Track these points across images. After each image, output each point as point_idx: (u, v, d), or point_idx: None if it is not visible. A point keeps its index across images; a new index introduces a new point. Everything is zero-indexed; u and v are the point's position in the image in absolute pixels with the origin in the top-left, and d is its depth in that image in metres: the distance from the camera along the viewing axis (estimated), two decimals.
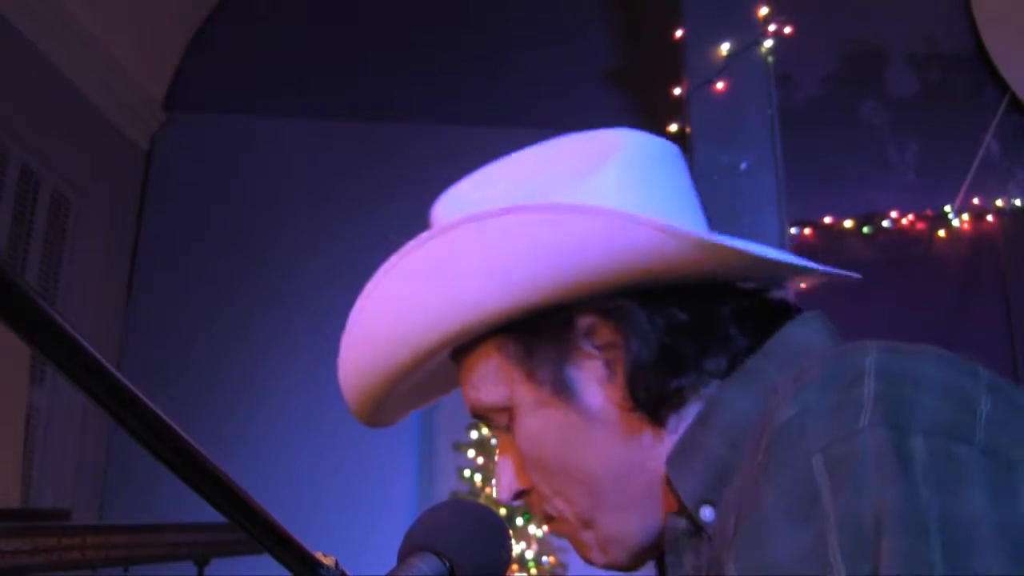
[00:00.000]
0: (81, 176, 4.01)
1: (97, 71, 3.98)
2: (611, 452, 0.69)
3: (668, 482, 0.67)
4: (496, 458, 0.79)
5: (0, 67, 3.41)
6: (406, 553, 0.61)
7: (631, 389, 0.67)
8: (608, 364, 0.69)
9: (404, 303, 0.71)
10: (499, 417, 0.75)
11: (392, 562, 0.61)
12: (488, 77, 4.54)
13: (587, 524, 0.72)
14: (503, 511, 3.79)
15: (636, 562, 0.74)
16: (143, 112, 4.40)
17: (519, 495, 0.76)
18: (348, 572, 0.55)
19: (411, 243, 0.71)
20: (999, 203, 3.66)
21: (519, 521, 3.86)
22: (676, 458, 0.67)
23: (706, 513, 0.64)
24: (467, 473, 3.98)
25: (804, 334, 0.69)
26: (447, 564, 0.60)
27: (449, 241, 0.69)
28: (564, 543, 4.33)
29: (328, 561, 0.54)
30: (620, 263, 0.65)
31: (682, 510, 0.66)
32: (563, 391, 0.70)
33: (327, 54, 4.56)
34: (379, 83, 4.55)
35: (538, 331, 0.70)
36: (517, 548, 3.82)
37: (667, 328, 0.68)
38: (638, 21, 4.52)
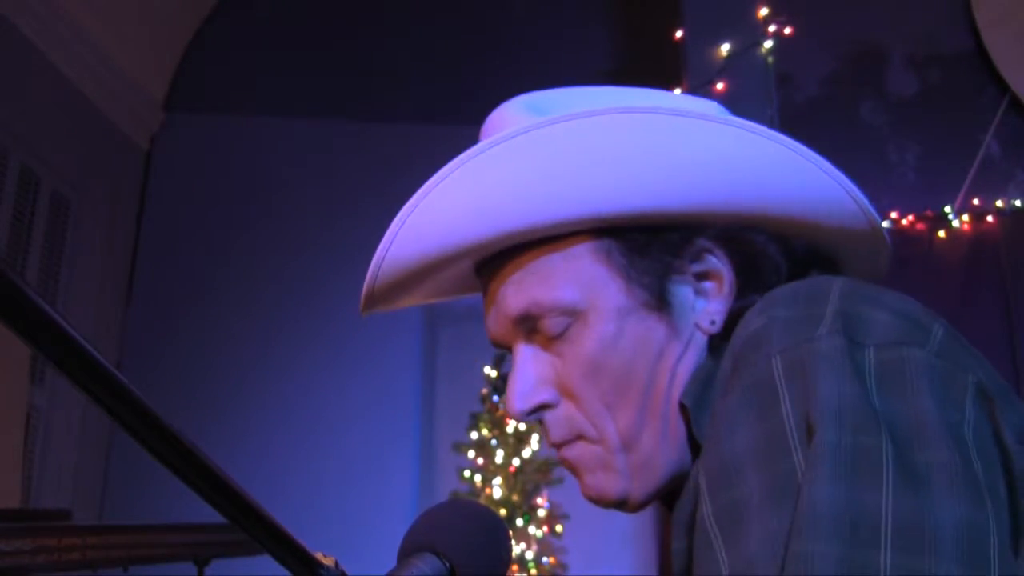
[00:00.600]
0: (81, 176, 4.02)
1: (97, 71, 3.99)
2: (681, 372, 0.71)
3: (684, 412, 0.70)
4: (513, 368, 0.73)
5: (0, 67, 3.41)
6: (406, 553, 0.61)
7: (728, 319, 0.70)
8: (709, 290, 0.71)
9: (501, 180, 0.68)
10: (554, 320, 0.71)
11: (392, 562, 0.61)
12: (488, 77, 4.54)
13: (627, 446, 0.70)
14: (503, 511, 3.80)
15: (648, 499, 0.72)
16: (143, 112, 4.40)
17: (538, 408, 0.72)
18: (348, 572, 0.55)
19: (533, 123, 0.68)
20: (999, 203, 3.66)
21: (519, 521, 3.86)
22: (691, 388, 0.70)
23: None
24: (467, 473, 3.98)
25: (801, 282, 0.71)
26: (447, 564, 0.60)
27: (574, 129, 0.67)
28: (564, 543, 4.33)
29: (328, 561, 0.54)
30: (763, 189, 0.69)
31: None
32: (660, 304, 0.70)
33: (327, 54, 4.56)
34: (379, 83, 4.56)
35: (648, 241, 0.70)
36: (517, 548, 3.82)
37: (773, 272, 0.72)
38: (638, 21, 4.52)
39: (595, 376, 0.70)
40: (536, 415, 0.73)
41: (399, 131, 4.51)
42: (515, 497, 3.89)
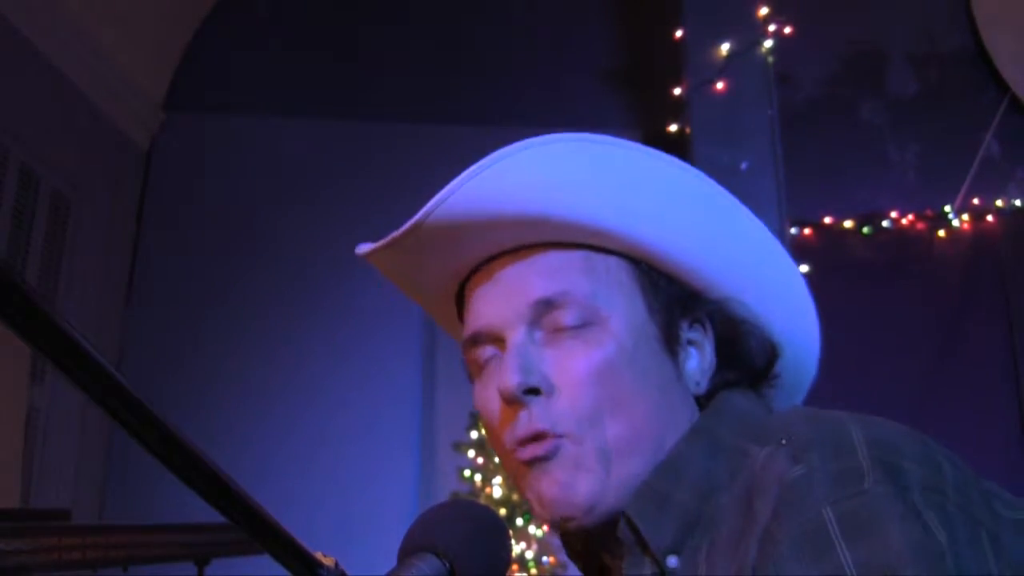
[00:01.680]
0: (81, 176, 4.02)
1: (97, 71, 3.99)
2: (679, 423, 0.74)
3: (631, 526, 0.70)
4: (511, 348, 0.73)
5: (0, 67, 3.41)
6: (406, 553, 0.61)
7: (712, 378, 0.77)
8: (694, 357, 0.78)
9: (589, 172, 0.71)
10: (575, 313, 0.72)
11: (392, 562, 0.61)
12: (488, 77, 4.54)
13: (609, 455, 0.71)
14: (503, 511, 3.80)
15: (610, 516, 0.72)
16: (143, 112, 4.40)
17: (531, 390, 0.72)
18: (348, 572, 0.55)
19: (632, 145, 0.72)
20: (999, 203, 3.66)
21: (519, 521, 3.86)
22: (643, 508, 0.70)
23: (671, 561, 0.69)
24: (467, 473, 3.98)
25: (742, 400, 0.77)
26: (447, 564, 0.60)
27: (665, 172, 0.74)
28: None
29: (328, 561, 0.54)
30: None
31: (646, 552, 0.70)
32: (671, 345, 0.75)
33: (327, 54, 4.56)
34: (379, 83, 4.55)
35: (667, 288, 0.76)
36: (517, 548, 3.82)
37: (750, 358, 0.80)
38: (638, 21, 4.52)
39: (601, 380, 0.71)
40: (527, 396, 0.72)
41: (399, 131, 4.51)
42: (515, 497, 3.89)
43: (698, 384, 0.76)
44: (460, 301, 0.83)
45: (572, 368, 0.71)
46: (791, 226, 3.58)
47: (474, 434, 4.05)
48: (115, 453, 4.04)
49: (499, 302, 0.75)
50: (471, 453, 4.02)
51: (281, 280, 4.32)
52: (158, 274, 4.34)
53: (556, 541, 3.91)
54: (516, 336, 0.73)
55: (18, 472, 3.29)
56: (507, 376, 0.71)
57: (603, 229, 0.72)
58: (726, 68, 3.59)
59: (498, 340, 0.75)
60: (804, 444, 0.62)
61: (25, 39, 3.54)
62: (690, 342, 0.77)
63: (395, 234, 0.77)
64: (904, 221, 3.65)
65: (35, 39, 3.60)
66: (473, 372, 0.80)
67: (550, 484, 0.71)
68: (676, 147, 3.69)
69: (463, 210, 0.73)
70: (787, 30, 3.68)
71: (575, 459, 0.71)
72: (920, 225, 3.65)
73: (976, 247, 3.60)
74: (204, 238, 4.37)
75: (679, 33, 3.73)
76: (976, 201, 3.66)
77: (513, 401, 0.71)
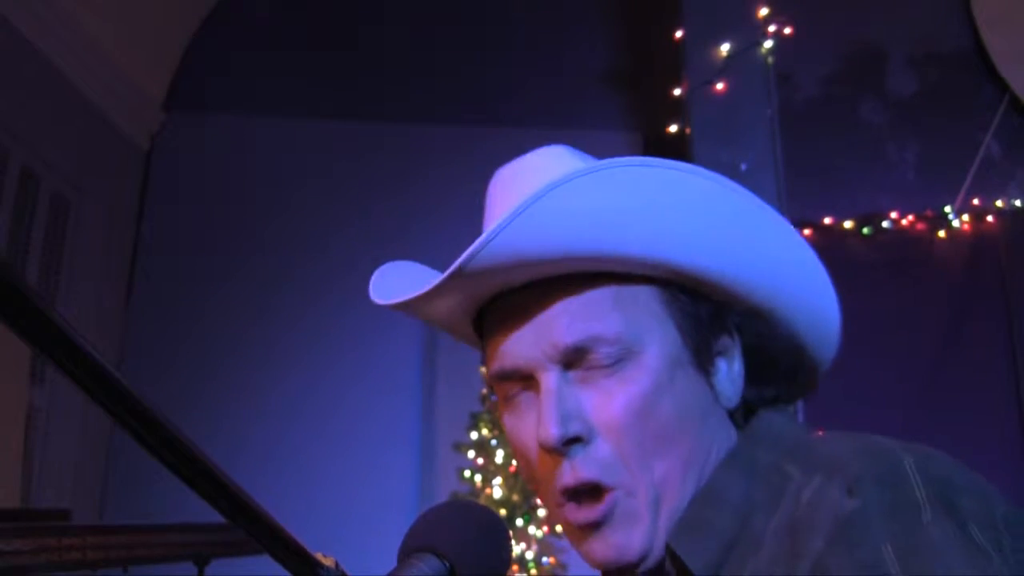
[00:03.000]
0: (81, 176, 4.01)
1: (97, 71, 3.99)
2: (716, 445, 0.74)
3: (673, 556, 0.70)
4: (547, 394, 0.71)
5: (0, 67, 3.41)
6: (406, 553, 0.61)
7: (743, 390, 0.76)
8: (724, 369, 0.76)
9: (608, 203, 0.68)
10: (608, 352, 0.70)
11: (392, 562, 0.61)
12: (488, 77, 4.54)
13: (660, 497, 0.70)
14: (503, 511, 3.79)
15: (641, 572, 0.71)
16: (143, 112, 4.40)
17: (572, 440, 0.69)
18: (348, 572, 0.55)
19: (652, 160, 0.70)
20: (999, 203, 3.66)
21: (519, 521, 3.86)
22: (683, 535, 0.70)
23: None
24: (467, 473, 3.98)
25: (779, 420, 0.76)
26: (447, 564, 0.60)
27: (688, 182, 0.71)
28: (564, 543, 4.31)
29: (328, 561, 0.54)
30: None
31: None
32: (706, 367, 0.74)
33: (327, 54, 4.56)
34: (379, 83, 4.55)
35: (698, 305, 0.74)
36: (517, 548, 3.82)
37: (780, 375, 0.80)
38: (638, 21, 4.52)
39: (643, 418, 0.69)
40: (568, 447, 0.69)
41: (399, 131, 4.51)
42: (515, 497, 3.89)
43: (730, 399, 0.75)
44: (478, 321, 0.80)
45: (611, 409, 0.70)
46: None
47: (474, 434, 4.05)
48: (115, 453, 4.04)
49: (527, 342, 0.72)
50: (471, 453, 4.02)
51: (281, 280, 4.32)
52: (158, 274, 4.34)
53: (556, 541, 3.91)
54: (550, 380, 0.71)
55: (18, 472, 3.29)
56: (546, 428, 0.69)
57: (629, 256, 0.70)
58: (726, 68, 3.59)
59: (529, 379, 0.73)
60: (857, 476, 0.61)
61: (25, 39, 3.54)
62: (718, 353, 0.75)
63: (418, 292, 0.73)
64: (904, 221, 3.65)
65: (35, 39, 3.59)
66: (501, 402, 0.78)
67: (605, 548, 0.71)
68: (676, 147, 3.69)
69: (489, 259, 0.69)
70: (787, 30, 3.68)
71: (630, 515, 0.70)
72: (920, 225, 3.65)
73: (976, 247, 3.59)
74: (204, 238, 4.37)
75: (679, 33, 3.73)
76: (976, 201, 3.66)
77: (555, 452, 0.70)
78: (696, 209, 0.70)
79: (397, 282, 0.79)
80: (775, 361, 0.77)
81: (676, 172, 0.70)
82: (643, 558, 0.70)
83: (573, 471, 0.70)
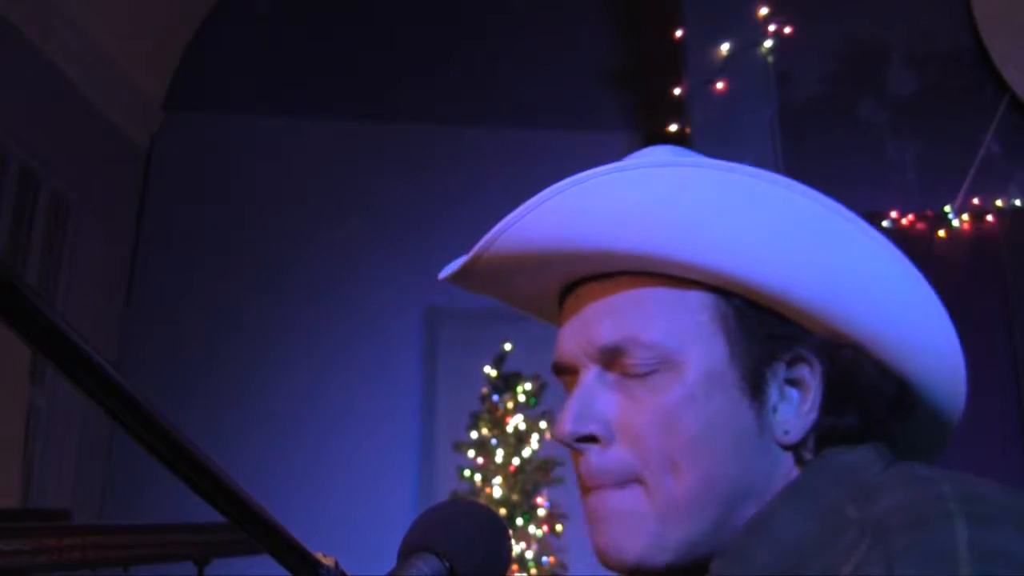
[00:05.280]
0: (81, 176, 4.02)
1: (97, 71, 3.99)
2: (757, 479, 0.68)
3: None
4: (576, 390, 0.70)
5: (0, 67, 3.41)
6: (406, 553, 0.61)
7: (809, 443, 0.69)
8: (793, 399, 0.69)
9: (661, 201, 0.65)
10: (644, 359, 0.67)
11: (392, 562, 0.61)
12: (488, 77, 4.54)
13: (674, 512, 0.67)
14: (503, 511, 3.80)
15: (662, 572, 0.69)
16: (143, 112, 4.40)
17: (586, 438, 0.68)
18: (348, 572, 0.55)
19: (709, 162, 0.67)
20: (999, 203, 3.66)
21: (519, 521, 3.86)
22: (726, 562, 0.67)
23: None
24: (467, 473, 3.98)
25: (851, 455, 0.69)
26: (447, 564, 0.60)
27: (749, 185, 0.66)
28: (564, 544, 4.31)
29: (328, 561, 0.54)
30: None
31: None
32: (754, 392, 0.68)
33: (327, 54, 4.56)
34: (379, 83, 4.56)
35: (760, 324, 0.68)
36: (517, 548, 3.83)
37: (872, 397, 0.69)
38: (638, 21, 4.52)
39: (669, 430, 0.67)
40: (581, 444, 0.69)
41: (399, 131, 4.51)
42: (515, 497, 3.89)
43: (787, 433, 0.68)
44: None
45: (638, 418, 0.68)
46: None
47: (474, 434, 4.05)
48: (115, 453, 4.04)
49: (575, 337, 0.71)
50: (471, 453, 4.02)
51: (281, 280, 4.32)
52: (158, 274, 4.34)
53: (556, 541, 3.91)
54: (586, 377, 0.70)
55: (18, 472, 3.29)
56: (562, 422, 0.69)
57: (686, 262, 0.66)
58: (726, 68, 3.59)
59: (575, 373, 0.72)
60: (900, 550, 0.57)
61: (26, 40, 3.54)
62: (792, 382, 0.69)
63: (461, 262, 0.73)
64: (904, 221, 3.65)
65: (36, 40, 3.60)
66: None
67: (606, 542, 0.69)
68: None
69: (525, 241, 0.68)
70: (787, 30, 3.68)
71: (641, 515, 0.68)
72: (920, 225, 3.65)
73: (976, 247, 3.60)
74: (204, 238, 4.38)
75: (679, 33, 3.73)
76: (976, 201, 3.66)
77: (568, 447, 0.70)
78: (764, 220, 0.65)
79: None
80: (865, 395, 0.69)
81: (736, 176, 0.65)
82: (637, 566, 0.68)
83: (588, 470, 0.69)
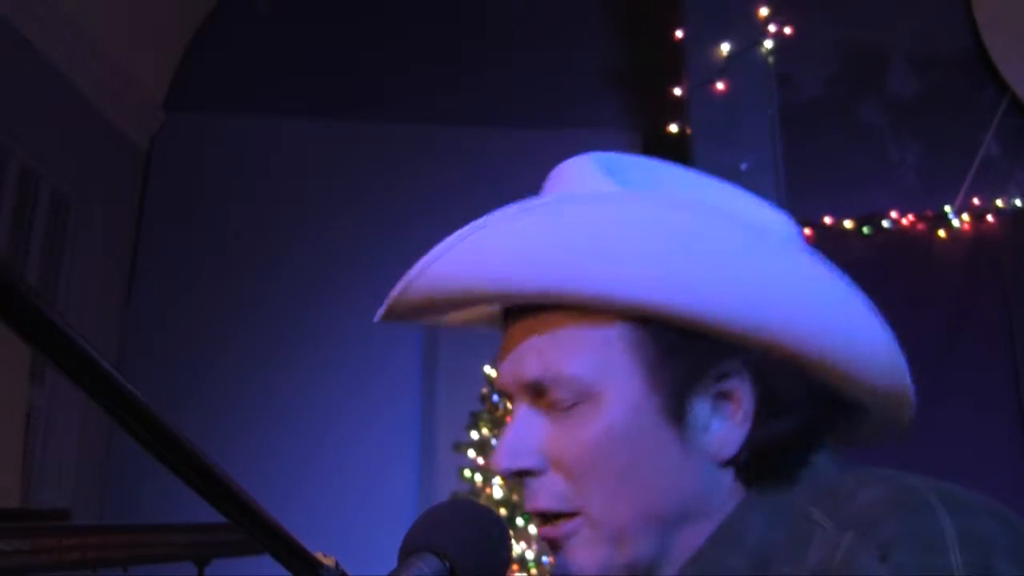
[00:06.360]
0: (81, 176, 4.02)
1: (97, 71, 3.99)
2: (684, 489, 0.69)
3: None
4: (509, 424, 0.72)
5: (0, 67, 3.41)
6: (406, 553, 0.61)
7: (747, 454, 0.69)
8: (725, 412, 0.70)
9: (560, 237, 0.66)
10: (565, 394, 0.69)
11: (392, 562, 0.61)
12: (488, 77, 4.54)
13: (621, 537, 0.68)
14: (503, 511, 3.80)
15: None
16: (143, 112, 4.40)
17: (522, 472, 0.70)
18: (348, 572, 0.55)
19: (603, 191, 0.68)
20: (999, 203, 3.66)
21: (519, 521, 3.86)
22: (693, 572, 0.69)
23: None
24: (467, 473, 3.98)
25: (814, 460, 0.71)
26: (447, 564, 0.60)
27: (641, 209, 0.67)
28: None
29: (328, 561, 0.54)
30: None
31: None
32: (677, 418, 0.68)
33: (327, 54, 4.56)
34: (379, 83, 4.56)
35: (680, 345, 0.68)
36: (517, 548, 3.82)
37: (804, 410, 0.70)
38: (638, 21, 4.52)
39: (596, 463, 0.68)
40: (520, 478, 0.71)
41: (399, 131, 4.51)
42: (515, 497, 3.89)
43: (723, 447, 0.69)
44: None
45: (564, 449, 0.69)
46: None
47: (474, 434, 4.05)
48: (115, 453, 4.04)
49: (507, 370, 0.73)
50: (471, 453, 4.02)
51: (281, 279, 4.32)
52: (158, 274, 4.34)
53: None
54: (519, 410, 0.72)
55: (18, 472, 3.29)
56: (496, 460, 0.71)
57: (593, 295, 0.67)
58: (726, 68, 3.59)
59: (512, 399, 0.74)
60: (891, 539, 0.58)
61: (25, 39, 3.54)
62: (723, 395, 0.70)
63: (384, 305, 0.75)
64: (904, 221, 3.65)
65: (35, 39, 3.60)
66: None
67: (564, 566, 0.71)
68: (676, 147, 3.69)
69: (435, 286, 0.70)
70: (787, 30, 3.68)
71: (590, 542, 0.69)
72: (920, 225, 3.65)
73: (976, 247, 3.60)
74: (203, 238, 4.38)
75: (679, 33, 3.74)
76: (976, 201, 3.66)
77: (506, 479, 0.72)
78: (673, 244, 0.66)
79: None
80: (798, 401, 0.69)
81: (634, 205, 0.67)
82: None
83: (531, 498, 0.71)
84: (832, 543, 0.61)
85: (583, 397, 0.69)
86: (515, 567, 3.78)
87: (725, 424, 0.69)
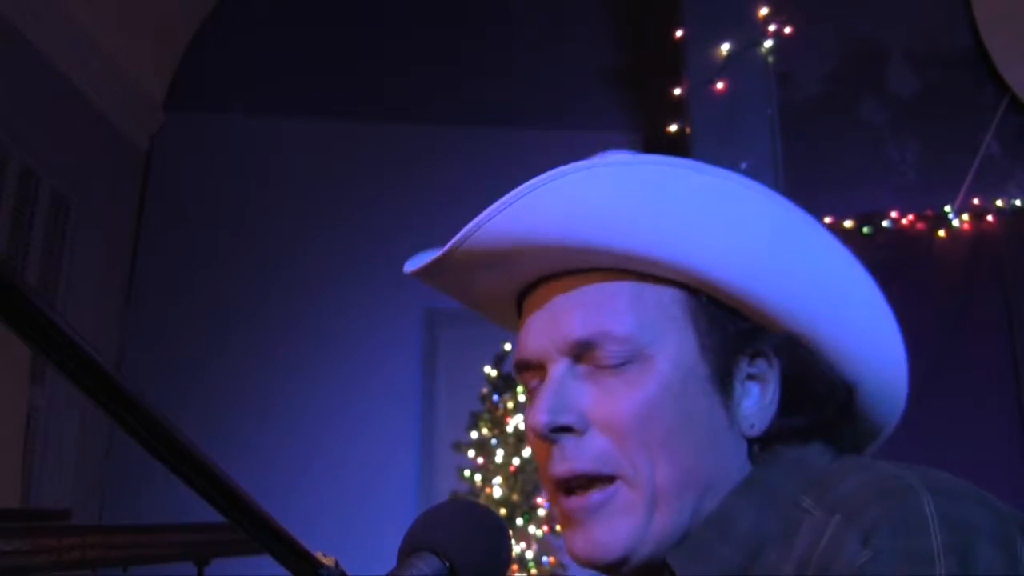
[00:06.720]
0: (81, 176, 4.02)
1: (97, 71, 3.99)
2: (721, 456, 0.70)
3: (670, 571, 0.68)
4: (547, 383, 0.71)
5: (0, 67, 3.41)
6: (406, 553, 0.61)
7: (765, 435, 0.71)
8: (754, 394, 0.72)
9: (636, 197, 0.66)
10: (615, 352, 0.69)
11: (392, 562, 0.61)
12: (488, 77, 4.54)
13: (659, 499, 0.68)
14: (503, 511, 3.80)
15: (647, 564, 0.69)
16: (143, 112, 4.40)
17: (561, 428, 0.69)
18: (348, 572, 0.55)
19: (684, 161, 0.68)
20: (999, 203, 3.65)
21: (519, 521, 3.86)
22: (686, 556, 0.68)
23: None
24: (467, 473, 3.98)
25: (803, 449, 0.73)
26: (447, 564, 0.60)
27: (722, 187, 0.68)
28: (564, 544, 4.36)
29: (328, 561, 0.54)
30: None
31: None
32: (723, 386, 0.70)
33: (327, 54, 4.56)
34: (379, 83, 4.56)
35: (727, 321, 0.70)
36: (517, 548, 3.83)
37: (826, 396, 0.72)
38: (638, 21, 4.52)
39: (646, 421, 0.68)
40: (557, 435, 0.69)
41: (399, 131, 4.51)
42: (515, 497, 3.89)
43: (753, 426, 0.70)
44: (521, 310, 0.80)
45: (612, 408, 0.69)
46: None
47: (474, 433, 4.05)
48: (115, 453, 4.04)
49: (543, 333, 0.72)
50: (471, 453, 4.02)
51: (280, 280, 4.32)
52: (158, 274, 4.34)
53: (556, 541, 3.91)
54: (556, 370, 0.71)
55: (18, 472, 3.29)
56: (536, 414, 0.69)
57: (655, 259, 0.68)
58: (726, 68, 3.59)
59: (542, 369, 0.73)
60: (874, 522, 0.59)
61: (26, 40, 3.54)
62: (751, 377, 0.71)
63: (434, 256, 0.74)
64: (904, 221, 3.65)
65: (35, 39, 3.59)
66: (527, 395, 0.78)
67: (584, 543, 0.70)
68: (676, 147, 3.69)
69: (500, 235, 0.69)
70: (787, 30, 3.68)
71: (626, 507, 0.68)
72: (920, 225, 3.65)
73: (976, 247, 3.59)
74: (203, 238, 4.38)
75: (679, 33, 3.73)
76: (976, 201, 3.66)
77: (543, 438, 0.70)
78: (732, 219, 0.67)
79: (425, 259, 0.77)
80: (816, 392, 0.72)
81: (714, 179, 0.68)
82: (623, 561, 0.68)
83: (565, 461, 0.69)
84: (819, 529, 0.62)
85: (634, 356, 0.69)
86: (515, 567, 3.78)
87: (756, 403, 0.71)
